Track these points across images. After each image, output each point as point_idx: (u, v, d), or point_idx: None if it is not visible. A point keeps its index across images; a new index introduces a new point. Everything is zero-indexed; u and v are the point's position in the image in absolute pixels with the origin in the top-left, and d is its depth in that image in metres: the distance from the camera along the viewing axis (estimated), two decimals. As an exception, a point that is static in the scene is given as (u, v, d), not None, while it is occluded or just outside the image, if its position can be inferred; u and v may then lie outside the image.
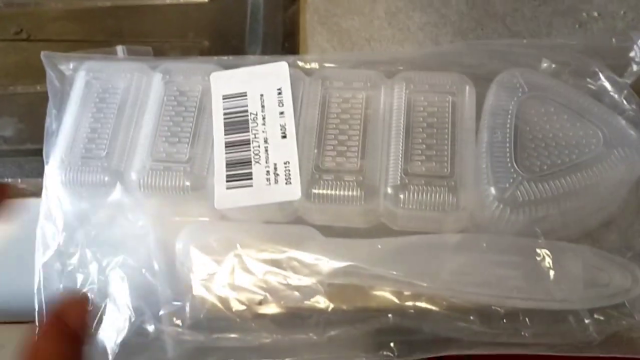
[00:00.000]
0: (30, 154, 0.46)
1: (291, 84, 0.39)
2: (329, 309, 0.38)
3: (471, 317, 0.36)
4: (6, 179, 0.45)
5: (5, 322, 0.45)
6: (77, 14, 0.54)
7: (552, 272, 0.35)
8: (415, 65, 0.41)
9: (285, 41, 0.48)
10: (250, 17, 0.50)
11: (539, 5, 0.49)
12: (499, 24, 0.48)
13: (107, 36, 0.53)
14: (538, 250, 0.35)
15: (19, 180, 0.45)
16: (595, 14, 0.48)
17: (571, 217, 0.36)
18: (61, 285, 0.38)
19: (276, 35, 0.48)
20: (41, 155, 0.45)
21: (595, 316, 0.35)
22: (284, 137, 0.38)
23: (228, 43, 0.50)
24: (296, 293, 0.37)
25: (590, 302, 0.35)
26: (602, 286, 0.35)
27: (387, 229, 0.38)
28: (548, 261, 0.35)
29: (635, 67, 0.39)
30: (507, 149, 0.36)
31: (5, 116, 0.49)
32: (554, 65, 0.40)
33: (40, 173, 0.44)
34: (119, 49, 0.45)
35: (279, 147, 0.38)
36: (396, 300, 0.36)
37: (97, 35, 0.53)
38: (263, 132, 0.38)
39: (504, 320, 0.36)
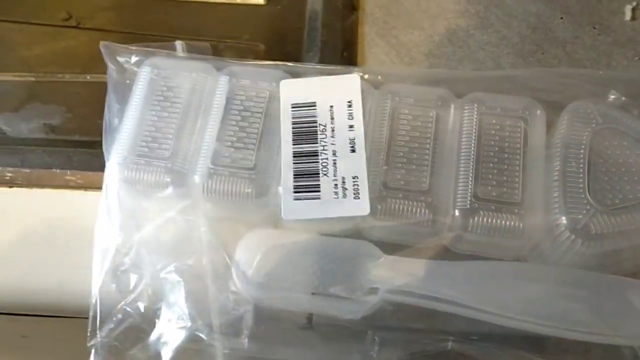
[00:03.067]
0: (78, 145, 0.45)
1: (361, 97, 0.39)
2: (386, 328, 0.37)
3: (530, 348, 0.35)
4: (54, 169, 0.44)
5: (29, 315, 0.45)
6: (129, 5, 0.53)
7: (617, 308, 0.34)
8: (481, 86, 0.41)
9: (343, 50, 0.48)
10: (308, 23, 0.49)
11: (598, 35, 0.48)
12: (560, 50, 0.48)
13: (158, 30, 0.52)
14: (605, 285, 0.35)
15: (68, 172, 0.44)
16: (656, 47, 0.48)
17: (638, 251, 0.36)
18: (114, 285, 0.37)
19: (335, 45, 0.48)
20: (89, 147, 0.44)
21: (655, 354, 0.35)
22: (353, 151, 0.37)
23: (284, 48, 0.49)
24: (352, 308, 0.37)
25: (653, 340, 0.35)
26: (665, 325, 0.35)
27: (445, 249, 0.38)
28: (614, 296, 0.35)
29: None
30: (581, 180, 0.36)
31: (53, 104, 0.48)
32: (623, 98, 0.40)
33: (89, 166, 0.44)
34: (178, 44, 0.44)
35: (347, 161, 0.37)
36: (458, 325, 0.36)
37: (148, 29, 0.52)
38: (332, 144, 0.37)
39: (562, 353, 0.36)
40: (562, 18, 0.49)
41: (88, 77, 0.49)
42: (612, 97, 0.40)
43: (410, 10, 0.50)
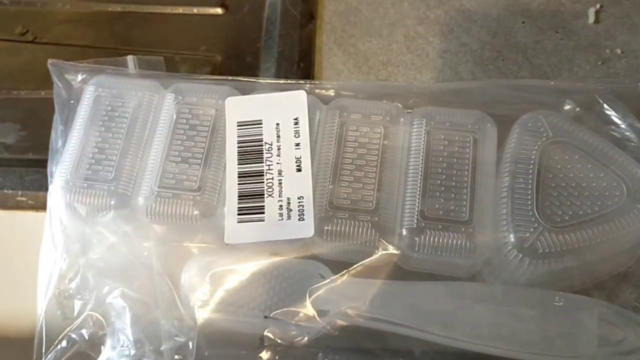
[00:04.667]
0: (32, 164, 0.45)
1: (308, 113, 0.38)
2: (336, 349, 0.36)
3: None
4: (6, 190, 0.43)
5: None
6: (86, 18, 0.53)
7: (567, 327, 0.34)
8: (435, 99, 0.40)
9: (300, 61, 0.47)
10: (265, 33, 0.48)
11: (560, 39, 0.48)
12: (520, 56, 0.47)
13: (115, 43, 0.51)
14: (554, 304, 0.34)
15: (19, 193, 0.43)
16: (619, 51, 0.47)
17: (589, 269, 0.35)
18: (59, 312, 0.36)
19: (291, 55, 0.47)
20: (43, 166, 0.43)
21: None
22: (299, 170, 0.37)
23: (242, 59, 0.48)
24: (301, 331, 0.36)
25: (603, 359, 0.34)
26: (616, 343, 0.34)
27: (399, 268, 0.37)
28: (563, 316, 0.34)
29: (661, 116, 0.38)
30: (529, 197, 0.35)
31: (8, 121, 0.48)
32: (577, 109, 0.39)
33: (41, 186, 0.43)
34: (130, 59, 0.43)
35: (293, 181, 0.36)
36: (406, 346, 0.35)
37: (105, 41, 0.51)
38: (278, 163, 0.37)
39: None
40: (523, 22, 0.48)
41: (43, 93, 0.49)
42: (568, 107, 0.39)
43: (369, 17, 0.49)
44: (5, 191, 0.43)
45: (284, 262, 0.37)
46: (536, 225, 0.34)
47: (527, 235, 0.34)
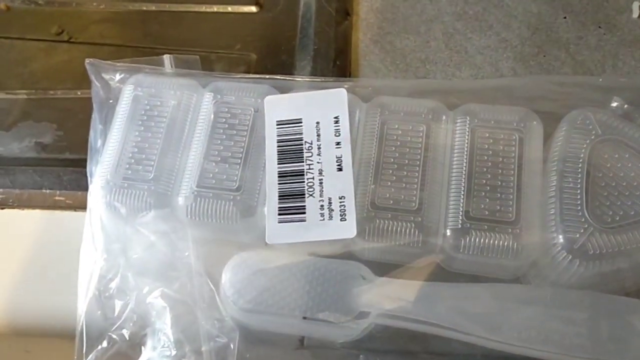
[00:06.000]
0: (69, 164, 0.45)
1: (348, 112, 0.37)
2: (377, 351, 0.36)
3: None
4: (44, 190, 0.43)
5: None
6: (121, 17, 0.53)
7: (618, 331, 0.33)
8: (477, 96, 0.39)
9: (336, 59, 0.46)
10: (300, 31, 0.48)
11: (604, 34, 0.46)
12: (562, 52, 0.46)
13: (151, 42, 0.51)
14: (605, 307, 0.33)
15: (57, 192, 0.43)
16: (665, 46, 0.45)
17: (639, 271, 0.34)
18: (99, 312, 0.36)
19: (327, 52, 0.46)
20: (80, 166, 0.43)
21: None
22: (340, 169, 0.36)
23: (277, 57, 0.48)
24: (343, 332, 0.36)
25: (657, 363, 0.33)
26: (669, 347, 0.33)
27: (442, 269, 0.37)
28: (614, 319, 0.33)
29: None
30: (579, 196, 0.34)
31: (44, 121, 0.48)
32: (625, 105, 0.38)
33: (78, 185, 0.43)
34: (166, 58, 0.43)
35: (334, 180, 0.36)
36: (448, 349, 0.35)
37: (141, 41, 0.51)
38: (318, 162, 0.36)
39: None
40: (565, 17, 0.47)
41: (79, 93, 0.49)
42: (615, 104, 0.38)
43: (406, 14, 0.48)
44: (44, 191, 0.43)
45: (325, 262, 0.36)
46: (586, 225, 0.33)
47: (577, 236, 0.33)
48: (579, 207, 0.33)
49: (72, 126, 0.48)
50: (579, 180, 0.34)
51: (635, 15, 0.47)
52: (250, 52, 0.49)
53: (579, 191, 0.34)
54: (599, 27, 0.47)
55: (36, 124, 0.48)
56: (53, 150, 0.47)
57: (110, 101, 0.40)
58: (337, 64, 0.46)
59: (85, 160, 0.40)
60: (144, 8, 0.52)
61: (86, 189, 0.40)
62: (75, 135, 0.47)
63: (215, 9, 0.51)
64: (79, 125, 0.47)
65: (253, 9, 0.51)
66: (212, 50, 0.49)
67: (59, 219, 0.43)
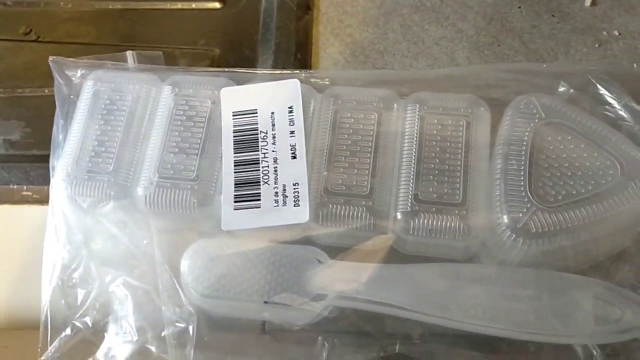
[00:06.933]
0: (36, 160, 0.46)
1: (302, 102, 0.38)
2: (335, 332, 0.37)
3: (479, 349, 0.35)
4: (12, 185, 0.44)
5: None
6: (88, 16, 0.53)
7: (562, 307, 0.34)
8: (429, 85, 0.40)
9: (297, 52, 0.47)
10: (262, 26, 0.49)
11: (557, 23, 0.48)
12: (516, 41, 0.47)
13: (117, 40, 0.52)
14: (549, 284, 0.34)
15: (24, 187, 0.44)
16: (616, 33, 0.47)
17: (583, 249, 0.35)
18: (63, 301, 0.37)
19: (289, 46, 0.47)
20: (47, 162, 0.44)
21: (606, 352, 0.35)
22: (294, 157, 0.37)
23: (240, 52, 0.49)
24: (301, 315, 0.37)
25: (600, 338, 0.34)
26: (613, 322, 0.34)
27: (396, 251, 0.38)
28: (559, 295, 0.34)
29: (656, 95, 0.38)
30: (522, 178, 0.35)
31: (13, 119, 0.49)
32: (571, 90, 0.39)
33: (45, 180, 0.44)
34: (129, 54, 0.44)
35: (288, 168, 0.37)
36: (403, 328, 0.36)
37: (107, 39, 0.52)
38: (273, 151, 0.37)
39: (513, 353, 0.35)
40: (519, 7, 0.48)
41: (46, 91, 0.50)
42: (562, 89, 0.39)
43: (365, 6, 0.49)
44: (11, 186, 0.44)
45: (282, 248, 0.37)
46: (529, 205, 0.34)
47: (520, 215, 0.34)
48: (522, 188, 0.35)
49: (40, 123, 0.49)
50: (522, 162, 0.35)
51: (587, 3, 0.48)
52: (214, 47, 0.50)
53: (522, 173, 0.35)
54: (553, 15, 0.48)
55: (4, 121, 0.49)
56: (21, 147, 0.47)
57: (72, 97, 0.41)
58: (298, 57, 0.47)
59: (52, 156, 0.41)
60: (111, 7, 0.53)
61: (52, 183, 0.41)
62: (43, 132, 0.47)
63: (180, 5, 0.52)
64: (46, 123, 0.47)
65: (216, 5, 0.52)
66: (176, 47, 0.50)
67: (26, 213, 0.44)
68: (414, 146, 0.37)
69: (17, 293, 0.41)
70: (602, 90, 0.39)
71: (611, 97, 0.38)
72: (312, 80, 0.41)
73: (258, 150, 0.38)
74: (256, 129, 0.38)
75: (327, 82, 0.41)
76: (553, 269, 0.35)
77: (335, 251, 0.37)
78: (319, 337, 0.37)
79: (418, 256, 0.37)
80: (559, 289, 0.34)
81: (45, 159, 0.45)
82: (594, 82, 0.39)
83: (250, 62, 0.48)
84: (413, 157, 0.36)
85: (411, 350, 0.36)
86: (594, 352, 0.35)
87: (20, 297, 0.41)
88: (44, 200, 0.44)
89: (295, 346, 0.37)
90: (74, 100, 0.41)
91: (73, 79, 0.42)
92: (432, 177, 0.36)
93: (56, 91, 0.42)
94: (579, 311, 0.34)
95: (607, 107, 0.38)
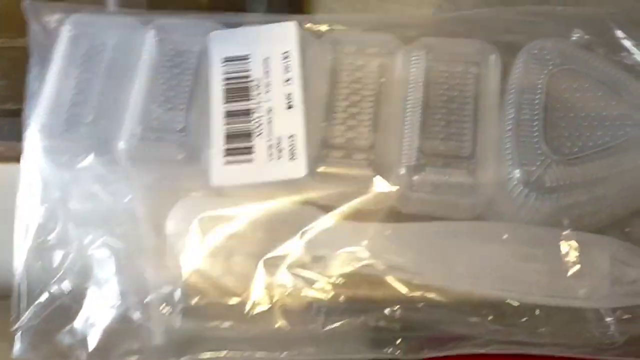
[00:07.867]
0: (10, 114, 0.43)
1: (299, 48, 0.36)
2: (330, 298, 0.35)
3: (485, 313, 0.33)
4: (-16, 141, 0.41)
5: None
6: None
7: (577, 267, 0.32)
8: (436, 30, 0.37)
9: (291, 1, 0.44)
10: (254, -28, 0.46)
11: (569, -31, 0.44)
12: (524, -15, 0.44)
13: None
14: (563, 242, 0.32)
15: (-3, 143, 0.41)
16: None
17: (600, 205, 0.33)
18: (38, 265, 0.34)
19: (281, -7, 0.44)
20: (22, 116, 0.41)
21: (619, 316, 0.32)
22: (290, 107, 0.34)
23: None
24: (295, 277, 0.34)
25: (616, 300, 0.32)
26: (629, 283, 0.32)
27: (395, 211, 0.35)
28: (574, 255, 0.32)
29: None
30: (536, 128, 0.32)
31: (-13, 71, 0.46)
32: (586, 37, 0.36)
33: (19, 137, 0.41)
34: (110, -4, 0.41)
35: (284, 119, 0.34)
36: (405, 292, 0.33)
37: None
38: (267, 101, 0.35)
39: (520, 318, 0.33)
40: (528, -49, 0.45)
41: (23, 42, 0.46)
42: (576, 35, 0.36)
43: (365, -51, 0.46)
44: (-17, 142, 0.41)
45: (277, 206, 0.35)
46: (543, 157, 0.32)
47: (534, 168, 0.32)
48: (536, 139, 0.32)
49: (16, 76, 0.45)
50: (537, 112, 0.33)
51: (600, -52, 0.45)
52: (202, -7, 0.47)
53: (536, 123, 0.33)
54: (564, -42, 0.45)
55: (-22, 74, 0.46)
56: (-5, 100, 0.44)
57: (49, 43, 0.38)
58: (291, 3, 0.44)
59: (28, 110, 0.38)
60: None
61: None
62: (19, 85, 0.44)
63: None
64: (23, 75, 0.44)
65: (204, -52, 0.48)
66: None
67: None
68: (420, 96, 0.34)
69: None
70: (620, 36, 0.36)
71: (630, 43, 0.36)
72: (309, 25, 0.38)
73: (250, 100, 0.35)
74: (248, 77, 0.35)
75: (326, 28, 0.38)
76: (568, 228, 0.33)
77: (334, 210, 0.35)
78: (314, 303, 0.35)
79: (420, 215, 0.35)
80: (574, 248, 0.32)
81: (20, 114, 0.42)
82: (611, 27, 0.36)
83: (240, 10, 0.45)
84: (419, 108, 0.34)
85: (413, 316, 0.34)
86: (607, 318, 0.32)
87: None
88: (17, 157, 0.41)
89: (287, 312, 0.35)
90: (51, 46, 0.38)
91: (49, 24, 0.39)
92: (438, 129, 0.33)
93: (31, 37, 0.39)
94: (595, 272, 0.32)
95: (625, 53, 0.36)
